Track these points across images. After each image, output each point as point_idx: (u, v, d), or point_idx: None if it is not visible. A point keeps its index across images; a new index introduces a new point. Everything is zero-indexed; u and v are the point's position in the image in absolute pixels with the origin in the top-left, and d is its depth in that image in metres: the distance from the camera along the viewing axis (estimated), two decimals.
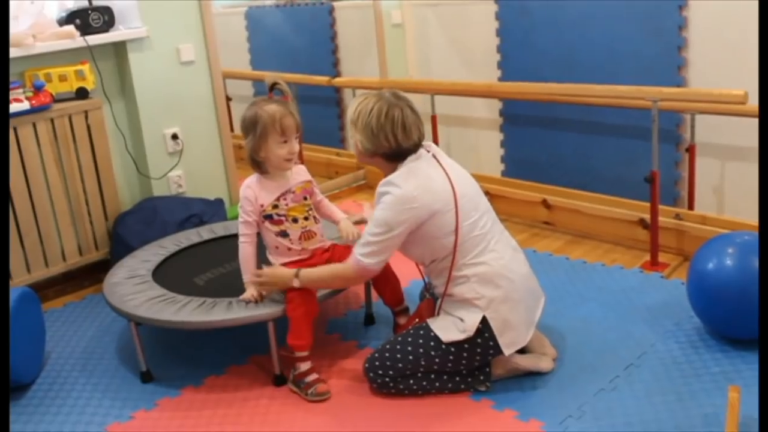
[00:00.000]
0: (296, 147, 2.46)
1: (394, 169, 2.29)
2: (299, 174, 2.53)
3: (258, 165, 2.44)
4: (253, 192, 2.44)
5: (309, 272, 2.36)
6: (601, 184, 3.69)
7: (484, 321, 2.23)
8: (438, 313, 2.35)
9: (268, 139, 2.38)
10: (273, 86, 2.49)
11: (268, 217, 2.46)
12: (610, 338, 2.55)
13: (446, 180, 2.27)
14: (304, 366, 2.38)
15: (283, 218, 2.46)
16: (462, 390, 2.31)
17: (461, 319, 2.25)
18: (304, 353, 2.37)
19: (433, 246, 2.27)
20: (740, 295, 2.31)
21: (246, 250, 2.45)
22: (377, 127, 2.24)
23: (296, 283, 2.34)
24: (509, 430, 2.13)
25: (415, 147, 2.29)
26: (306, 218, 2.49)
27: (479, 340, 2.25)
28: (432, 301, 2.44)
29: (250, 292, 2.42)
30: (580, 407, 2.18)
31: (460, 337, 2.24)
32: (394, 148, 2.25)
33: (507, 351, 2.26)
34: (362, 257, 2.27)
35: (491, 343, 2.25)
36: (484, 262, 2.26)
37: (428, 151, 2.34)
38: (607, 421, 2.11)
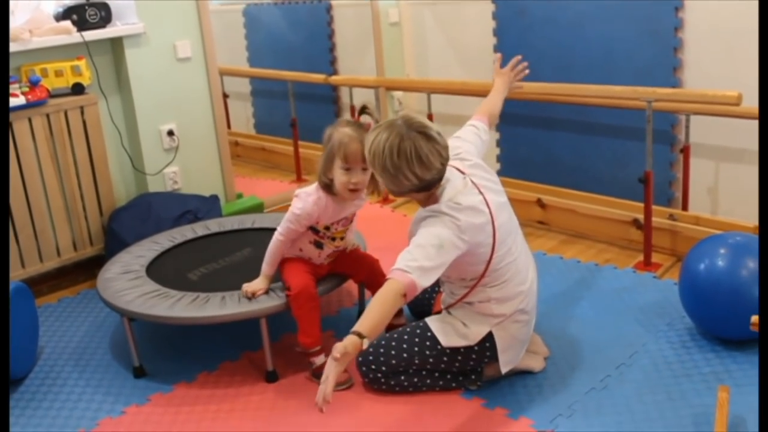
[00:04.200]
0: (360, 177, 2.31)
1: (431, 197, 2.14)
2: (358, 202, 2.48)
3: (326, 186, 2.37)
4: (317, 211, 2.38)
5: (371, 324, 1.92)
6: (596, 184, 3.69)
7: (489, 334, 2.23)
8: (441, 310, 2.34)
9: (334, 162, 2.33)
10: (362, 110, 2.39)
11: (313, 230, 2.46)
12: (601, 338, 2.56)
13: (487, 210, 2.13)
14: (319, 360, 2.40)
15: (326, 236, 2.47)
16: (453, 388, 2.31)
17: (465, 325, 2.24)
18: (317, 348, 2.40)
19: (461, 270, 2.17)
20: (731, 296, 2.32)
21: (279, 248, 2.44)
22: (393, 167, 2.04)
23: (365, 344, 1.90)
24: (499, 428, 2.13)
25: (440, 174, 2.10)
26: (342, 238, 2.51)
27: (476, 348, 2.24)
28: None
29: (259, 285, 2.42)
30: (571, 406, 2.19)
31: (461, 343, 2.24)
32: (417, 184, 2.07)
33: (504, 369, 2.26)
34: (419, 279, 1.98)
35: (488, 354, 2.25)
36: (508, 287, 2.21)
37: (463, 173, 2.18)
38: (597, 420, 2.12)
